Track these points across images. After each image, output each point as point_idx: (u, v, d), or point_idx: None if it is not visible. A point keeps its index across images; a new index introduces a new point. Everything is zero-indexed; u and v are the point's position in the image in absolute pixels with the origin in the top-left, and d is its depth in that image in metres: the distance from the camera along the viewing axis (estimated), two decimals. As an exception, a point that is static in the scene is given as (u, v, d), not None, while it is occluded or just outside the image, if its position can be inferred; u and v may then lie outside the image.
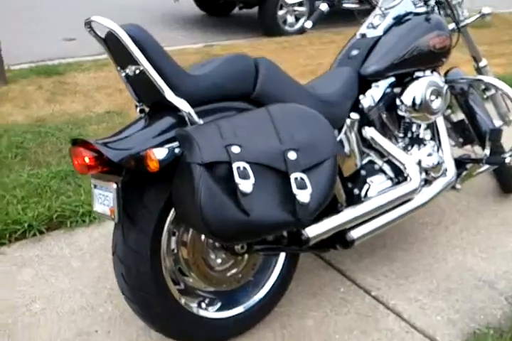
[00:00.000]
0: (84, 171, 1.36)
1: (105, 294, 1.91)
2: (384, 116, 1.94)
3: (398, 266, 2.12)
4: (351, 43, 1.99)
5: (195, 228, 1.39)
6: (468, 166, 2.19)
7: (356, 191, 1.86)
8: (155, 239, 1.44)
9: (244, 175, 1.29)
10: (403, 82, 1.97)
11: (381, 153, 1.93)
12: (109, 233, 1.73)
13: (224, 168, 1.29)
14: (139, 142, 1.36)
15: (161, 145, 1.34)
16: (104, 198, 1.41)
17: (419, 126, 2.05)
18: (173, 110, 1.40)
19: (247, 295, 1.72)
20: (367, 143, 1.92)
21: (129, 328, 1.76)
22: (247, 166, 1.30)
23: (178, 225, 1.54)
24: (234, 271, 1.65)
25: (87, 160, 1.34)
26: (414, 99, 1.91)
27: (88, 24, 1.39)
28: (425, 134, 2.07)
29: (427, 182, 2.02)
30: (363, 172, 1.89)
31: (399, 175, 1.93)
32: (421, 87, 1.92)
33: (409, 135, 2.03)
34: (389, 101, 1.94)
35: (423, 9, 2.02)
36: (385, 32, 1.93)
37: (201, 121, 1.38)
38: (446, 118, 2.37)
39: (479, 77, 2.25)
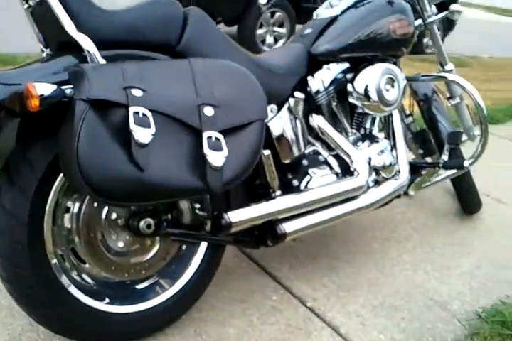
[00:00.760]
0: None
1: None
2: (334, 104, 1.74)
3: (341, 276, 1.87)
4: (307, 23, 1.81)
5: (74, 185, 1.12)
6: (423, 172, 1.99)
7: (295, 182, 1.64)
8: (36, 203, 1.18)
9: (142, 123, 1.05)
10: (357, 68, 1.78)
11: (328, 145, 1.73)
12: None
13: (118, 113, 1.06)
14: (27, 79, 1.12)
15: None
16: None
17: (373, 120, 1.87)
18: (79, 51, 1.17)
19: (154, 290, 1.44)
20: (313, 133, 1.72)
21: (15, 322, 1.46)
22: (149, 114, 1.07)
23: (71, 197, 1.29)
24: (139, 258, 1.39)
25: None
26: (366, 86, 1.72)
27: None
28: (378, 131, 1.89)
29: (377, 183, 1.81)
30: (304, 161, 1.67)
31: (345, 171, 1.72)
32: (375, 73, 1.73)
33: (361, 130, 1.84)
34: (340, 88, 1.74)
35: None
36: (343, 12, 1.76)
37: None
38: (408, 128, 2.20)
39: (443, 74, 2.09)
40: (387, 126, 1.94)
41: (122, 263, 1.36)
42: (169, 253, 1.45)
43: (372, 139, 1.84)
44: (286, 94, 1.60)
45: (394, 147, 1.90)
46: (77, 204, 1.29)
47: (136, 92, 1.08)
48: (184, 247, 1.51)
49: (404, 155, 1.89)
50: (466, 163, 1.98)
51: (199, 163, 1.12)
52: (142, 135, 1.04)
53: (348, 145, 1.71)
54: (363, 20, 1.73)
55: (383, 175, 1.81)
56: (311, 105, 1.70)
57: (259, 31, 5.81)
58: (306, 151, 1.69)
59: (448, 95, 2.22)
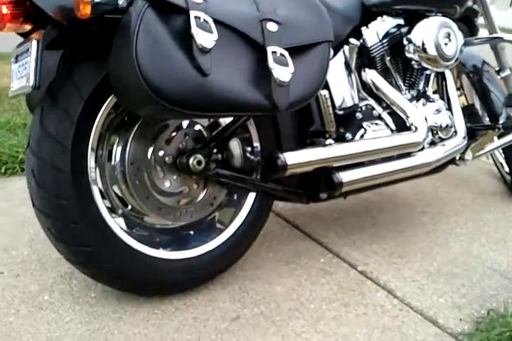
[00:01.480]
0: (1, 27, 1.04)
1: (26, 238, 1.53)
2: (388, 58, 1.64)
3: (391, 245, 1.74)
4: None
5: (131, 92, 1.02)
6: (478, 136, 1.87)
7: (349, 135, 1.53)
8: (81, 126, 1.09)
9: (204, 28, 0.97)
10: (412, 23, 1.68)
11: (381, 101, 1.62)
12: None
13: (178, 17, 0.97)
14: None
15: None
16: (23, 69, 1.07)
17: (427, 80, 1.76)
18: None
19: (200, 238, 1.34)
20: (367, 88, 1.62)
21: (45, 273, 1.37)
22: (210, 20, 0.99)
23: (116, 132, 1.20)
24: (186, 200, 1.29)
25: (4, 9, 1.02)
26: (424, 38, 1.62)
27: None
28: (433, 90, 1.78)
29: (433, 143, 1.70)
30: (358, 115, 1.57)
31: (401, 127, 1.61)
32: (433, 26, 1.63)
33: (414, 88, 1.73)
34: (394, 42, 1.64)
35: None
36: None
37: None
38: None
39: (499, 34, 1.97)
40: (440, 87, 1.83)
41: (169, 205, 1.26)
42: (216, 199, 1.35)
43: (427, 98, 1.74)
44: (342, 40, 1.51)
45: (449, 108, 1.78)
46: (122, 140, 1.20)
47: None
48: (230, 198, 1.41)
49: (461, 117, 1.78)
50: (525, 125, 1.86)
51: (264, 79, 1.04)
52: (205, 39, 0.95)
53: (404, 100, 1.61)
54: None
55: (440, 135, 1.70)
56: (364, 58, 1.61)
57: None
58: (360, 104, 1.58)
59: (497, 68, 2.12)
